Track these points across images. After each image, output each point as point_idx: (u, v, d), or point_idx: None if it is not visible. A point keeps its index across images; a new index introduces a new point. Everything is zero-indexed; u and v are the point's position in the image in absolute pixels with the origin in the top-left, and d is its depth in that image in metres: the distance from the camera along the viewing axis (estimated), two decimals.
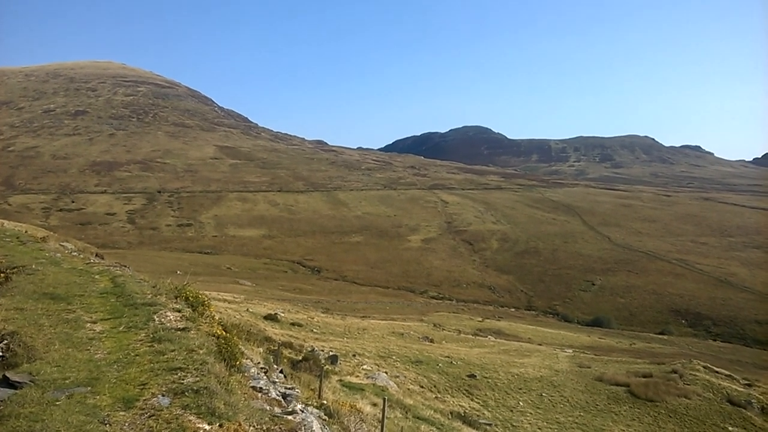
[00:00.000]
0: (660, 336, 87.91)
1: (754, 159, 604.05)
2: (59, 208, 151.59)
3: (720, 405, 34.33)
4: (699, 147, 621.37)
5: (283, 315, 46.59)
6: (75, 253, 21.96)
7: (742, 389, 37.89)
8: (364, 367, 32.35)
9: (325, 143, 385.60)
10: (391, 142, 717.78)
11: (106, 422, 6.18)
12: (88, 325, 10.22)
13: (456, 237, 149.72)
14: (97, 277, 15.47)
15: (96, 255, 27.05)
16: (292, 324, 43.38)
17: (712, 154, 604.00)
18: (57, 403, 6.54)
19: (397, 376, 32.15)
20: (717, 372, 41.79)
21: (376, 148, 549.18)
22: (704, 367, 42.49)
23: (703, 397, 35.01)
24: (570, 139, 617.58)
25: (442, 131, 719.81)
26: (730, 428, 31.63)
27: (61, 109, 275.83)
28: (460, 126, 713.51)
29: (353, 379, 27.96)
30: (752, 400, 35.35)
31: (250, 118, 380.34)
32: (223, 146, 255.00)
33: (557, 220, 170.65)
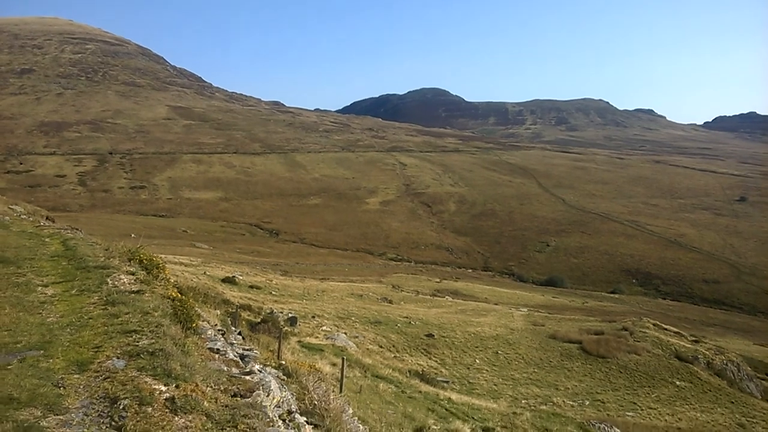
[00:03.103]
0: (611, 295, 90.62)
1: (704, 123, 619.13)
2: (6, 170, 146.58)
3: (668, 360, 35.71)
4: (652, 111, 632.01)
5: (241, 278, 46.36)
6: (24, 216, 21.32)
7: (689, 345, 39.45)
8: (324, 328, 32.57)
9: (282, 104, 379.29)
10: (348, 104, 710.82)
11: (60, 385, 6.09)
12: (40, 288, 9.98)
13: (414, 199, 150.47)
14: (47, 240, 15.07)
15: (46, 218, 26.31)
16: (251, 287, 43.23)
17: (665, 117, 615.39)
18: (9, 367, 6.41)
19: (357, 337, 32.48)
20: (666, 329, 43.39)
21: (333, 109, 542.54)
22: (654, 324, 44.07)
23: (653, 353, 36.36)
24: (526, 102, 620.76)
25: (400, 93, 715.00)
26: (677, 382, 32.98)
27: (6, 67, 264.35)
28: (419, 88, 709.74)
29: (312, 340, 28.14)
30: (699, 356, 36.86)
31: (203, 78, 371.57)
32: (176, 106, 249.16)
33: (514, 182, 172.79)
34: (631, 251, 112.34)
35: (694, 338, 43.16)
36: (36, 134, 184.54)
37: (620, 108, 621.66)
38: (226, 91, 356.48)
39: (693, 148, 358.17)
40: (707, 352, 38.19)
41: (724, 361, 37.02)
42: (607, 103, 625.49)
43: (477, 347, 35.37)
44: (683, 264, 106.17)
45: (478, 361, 33.22)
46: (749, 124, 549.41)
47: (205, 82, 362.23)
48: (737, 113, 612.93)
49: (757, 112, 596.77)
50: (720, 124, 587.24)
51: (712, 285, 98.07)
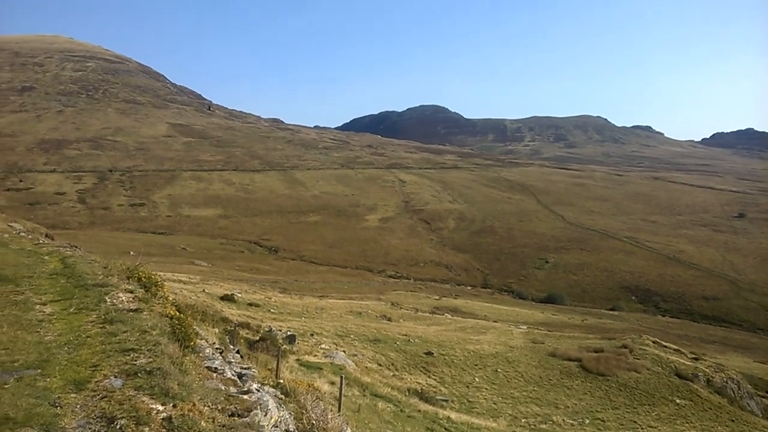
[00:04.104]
0: (611, 312, 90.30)
1: (702, 139, 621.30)
2: (7, 188, 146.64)
3: (668, 378, 35.48)
4: (650, 127, 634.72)
5: (240, 295, 46.24)
6: (23, 234, 21.35)
7: (689, 363, 39.23)
8: (322, 346, 32.43)
9: (282, 121, 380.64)
10: (348, 121, 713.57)
11: (56, 405, 6.09)
12: (38, 306, 10.00)
13: (413, 216, 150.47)
14: (46, 258, 15.09)
15: (46, 236, 26.32)
16: (250, 304, 43.10)
17: (663, 134, 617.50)
18: (6, 386, 6.41)
19: (355, 355, 32.33)
20: (665, 346, 43.17)
21: (333, 126, 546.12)
22: (653, 341, 43.86)
23: (652, 371, 36.15)
24: (525, 119, 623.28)
25: (399, 110, 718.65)
26: (677, 400, 32.75)
27: (7, 85, 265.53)
28: (417, 105, 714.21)
29: (311, 359, 28.01)
30: (699, 374, 36.62)
31: (203, 95, 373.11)
32: (176, 124, 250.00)
33: (512, 199, 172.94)
34: (630, 268, 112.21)
35: (693, 355, 42.95)
36: (36, 152, 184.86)
37: (618, 125, 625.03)
38: (226, 108, 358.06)
39: (691, 164, 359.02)
40: (707, 370, 37.99)
41: (725, 379, 36.82)
42: (605, 119, 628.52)
43: (476, 365, 35.21)
44: (682, 281, 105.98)
45: (477, 379, 33.06)
46: (747, 140, 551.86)
47: (205, 99, 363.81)
48: (735, 129, 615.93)
49: (755, 129, 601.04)
50: (718, 140, 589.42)
51: (712, 302, 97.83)
